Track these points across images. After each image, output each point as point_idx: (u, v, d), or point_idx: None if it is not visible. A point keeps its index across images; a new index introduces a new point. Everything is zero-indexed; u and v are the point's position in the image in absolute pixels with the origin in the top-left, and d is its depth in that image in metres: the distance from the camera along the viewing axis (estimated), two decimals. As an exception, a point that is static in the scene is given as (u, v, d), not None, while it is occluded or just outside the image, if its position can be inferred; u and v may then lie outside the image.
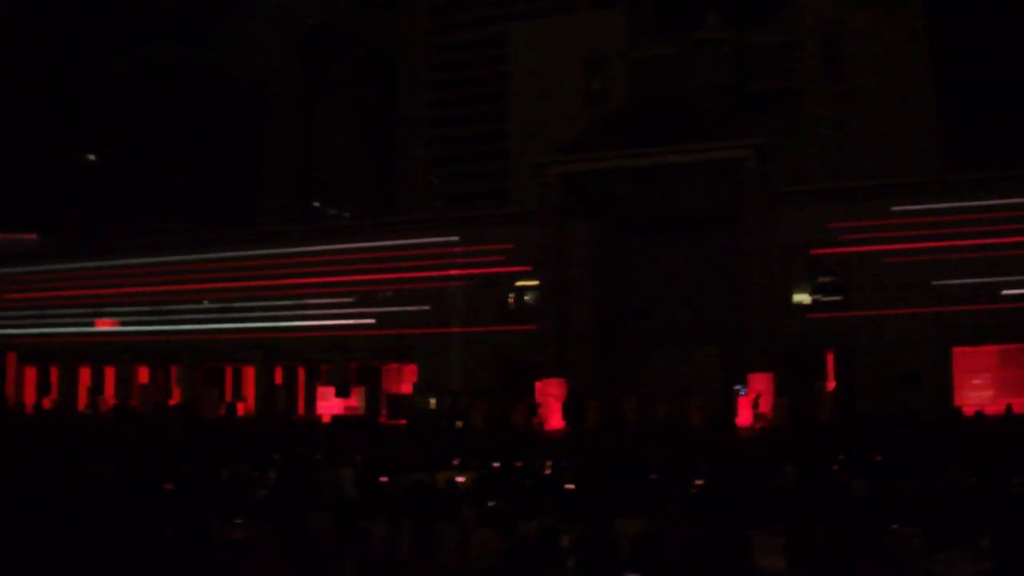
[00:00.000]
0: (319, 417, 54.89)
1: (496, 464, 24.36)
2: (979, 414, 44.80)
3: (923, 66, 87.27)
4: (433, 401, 53.86)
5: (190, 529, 14.73)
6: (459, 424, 48.40)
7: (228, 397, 62.87)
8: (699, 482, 20.58)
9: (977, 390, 49.75)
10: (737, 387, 46.63)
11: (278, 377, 63.44)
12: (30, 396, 68.66)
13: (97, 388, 66.84)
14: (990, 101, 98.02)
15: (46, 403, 66.34)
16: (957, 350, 49.87)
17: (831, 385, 50.08)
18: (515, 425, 45.97)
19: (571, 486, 19.69)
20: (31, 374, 70.70)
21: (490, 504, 17.00)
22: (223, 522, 15.57)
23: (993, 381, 50.25)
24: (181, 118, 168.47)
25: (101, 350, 66.52)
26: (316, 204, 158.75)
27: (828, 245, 51.37)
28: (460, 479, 21.19)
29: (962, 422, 42.44)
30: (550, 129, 78.26)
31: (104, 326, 66.39)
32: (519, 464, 24.49)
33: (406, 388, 59.47)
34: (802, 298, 52.11)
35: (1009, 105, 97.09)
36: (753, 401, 44.79)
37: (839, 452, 25.71)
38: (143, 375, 67.23)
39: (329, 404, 55.21)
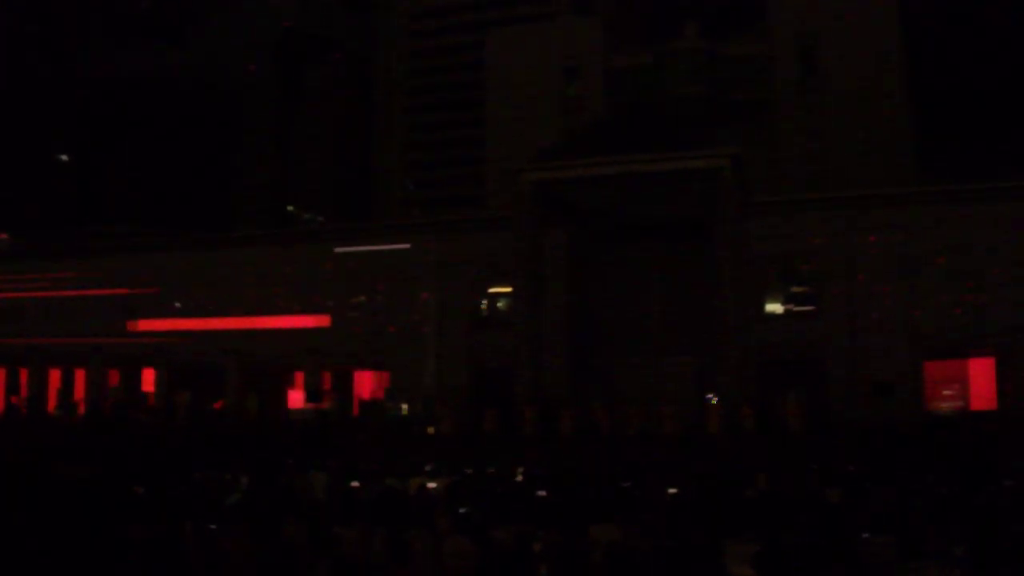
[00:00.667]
0: (290, 420, 54.68)
1: (468, 471, 24.34)
2: (948, 420, 45.19)
3: (897, 78, 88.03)
4: (405, 407, 53.82)
5: (162, 533, 14.62)
6: (431, 430, 48.28)
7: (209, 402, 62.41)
8: (672, 490, 20.61)
9: (948, 400, 50.09)
10: (709, 396, 46.69)
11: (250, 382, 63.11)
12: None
13: (67, 391, 66.28)
14: (964, 112, 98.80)
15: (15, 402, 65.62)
16: (928, 362, 50.22)
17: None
18: (486, 431, 45.77)
19: (544, 493, 19.68)
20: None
21: (462, 511, 16.97)
22: (195, 527, 15.48)
23: (963, 392, 50.60)
24: (156, 121, 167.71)
25: (73, 352, 66.03)
26: (290, 208, 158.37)
27: (801, 255, 51.65)
28: (432, 485, 21.17)
29: (934, 431, 42.62)
30: (526, 136, 78.41)
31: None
32: (491, 471, 24.48)
33: (379, 394, 59.30)
34: (775, 308, 52.29)
35: (982, 116, 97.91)
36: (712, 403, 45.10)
37: (812, 461, 25.79)
38: (113, 378, 66.81)
39: (300, 410, 55.11)
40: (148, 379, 66.05)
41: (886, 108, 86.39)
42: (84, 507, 16.78)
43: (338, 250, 60.44)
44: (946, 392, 50.32)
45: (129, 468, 24.31)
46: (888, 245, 50.71)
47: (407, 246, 58.99)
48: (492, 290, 56.17)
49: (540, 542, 13.94)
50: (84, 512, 16.03)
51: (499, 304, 55.77)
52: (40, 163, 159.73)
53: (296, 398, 57.16)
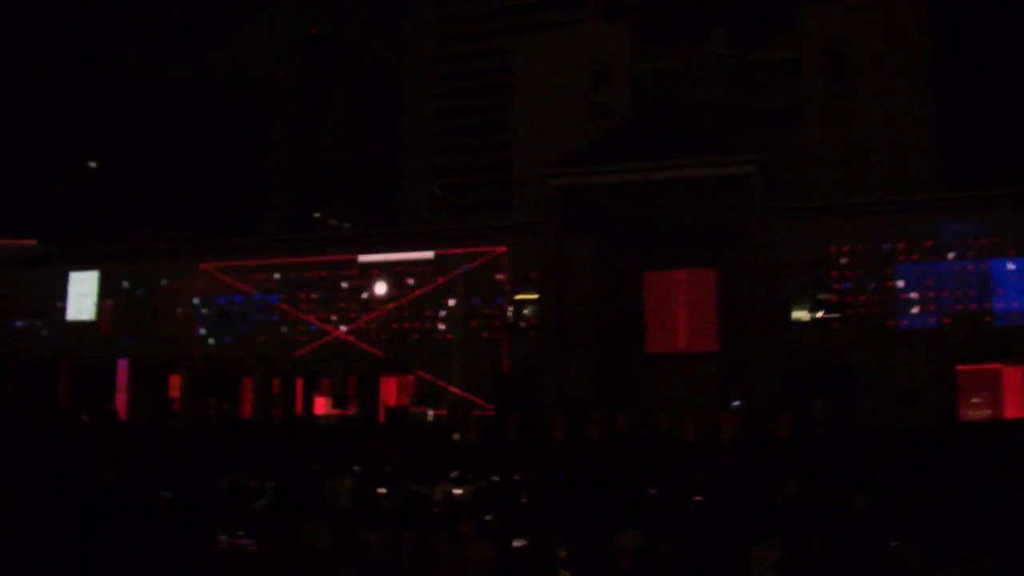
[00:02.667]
0: (316, 426, 54.85)
1: (495, 477, 24.34)
2: (976, 428, 44.89)
3: (926, 82, 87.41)
4: (431, 413, 53.84)
5: (191, 538, 14.71)
6: (456, 436, 48.24)
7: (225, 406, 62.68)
8: (697, 497, 20.56)
9: (977, 408, 49.75)
10: (735, 402, 46.53)
11: (276, 387, 63.36)
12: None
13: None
14: (993, 117, 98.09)
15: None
16: (959, 368, 49.87)
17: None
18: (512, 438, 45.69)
19: (569, 499, 19.67)
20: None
21: (487, 518, 16.98)
22: (223, 531, 15.56)
23: (993, 400, 50.25)
24: (183, 126, 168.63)
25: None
26: (317, 215, 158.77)
27: (829, 262, 51.45)
28: (458, 491, 21.19)
29: (961, 439, 42.33)
30: (553, 141, 78.18)
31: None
32: (517, 477, 24.47)
33: (404, 400, 59.42)
34: (802, 315, 52.05)
35: (1012, 122, 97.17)
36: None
37: (839, 468, 25.66)
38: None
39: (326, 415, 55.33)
40: (174, 385, 66.28)
41: (915, 113, 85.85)
42: (114, 512, 16.91)
43: (365, 257, 60.66)
44: (975, 400, 49.98)
45: (158, 473, 24.46)
46: (917, 251, 50.44)
47: (430, 254, 59.15)
48: (519, 296, 56.10)
49: (565, 548, 13.94)
50: (114, 517, 16.16)
51: (525, 311, 55.67)
52: (69, 170, 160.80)
53: (322, 404, 57.33)
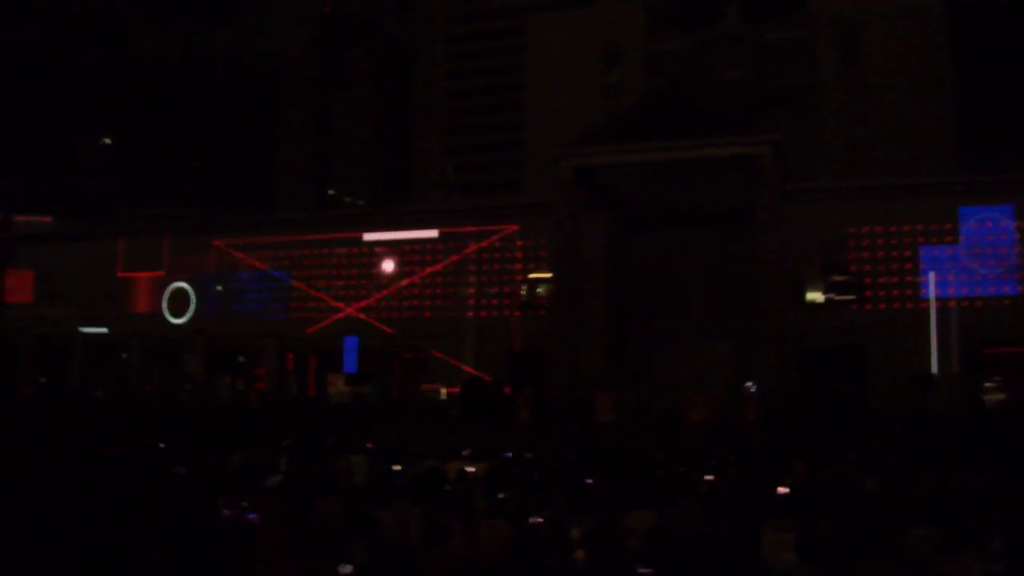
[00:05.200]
0: (328, 403, 55.07)
1: (508, 455, 24.40)
2: (989, 412, 44.76)
3: (941, 62, 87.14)
4: (444, 391, 54.01)
5: (201, 512, 14.78)
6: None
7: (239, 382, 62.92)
8: (709, 477, 20.58)
9: (993, 392, 49.49)
10: (748, 384, 46.48)
11: (290, 363, 63.61)
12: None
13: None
14: (1010, 98, 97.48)
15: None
16: (972, 351, 49.64)
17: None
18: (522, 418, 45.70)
19: (582, 478, 19.70)
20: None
21: (500, 496, 17.02)
22: (234, 506, 15.63)
23: (1011, 383, 49.95)
24: (197, 103, 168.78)
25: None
26: (331, 192, 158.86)
27: (843, 243, 51.26)
28: (471, 469, 21.23)
29: (976, 422, 42.23)
30: (566, 121, 78.14)
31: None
32: (529, 455, 24.52)
33: (418, 378, 59.54)
34: (815, 296, 51.90)
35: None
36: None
37: (850, 450, 25.64)
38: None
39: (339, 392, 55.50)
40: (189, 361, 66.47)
41: (930, 93, 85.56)
42: (126, 486, 16.97)
43: (371, 237, 60.62)
44: (988, 384, 49.76)
45: (169, 448, 24.57)
46: (932, 232, 50.22)
47: (439, 233, 59.14)
48: (531, 276, 56.09)
49: (578, 527, 13.97)
50: (123, 492, 16.21)
51: (538, 290, 55.67)
52: (82, 146, 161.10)
53: (335, 381, 57.47)
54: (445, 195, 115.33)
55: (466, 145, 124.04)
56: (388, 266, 59.37)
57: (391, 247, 59.94)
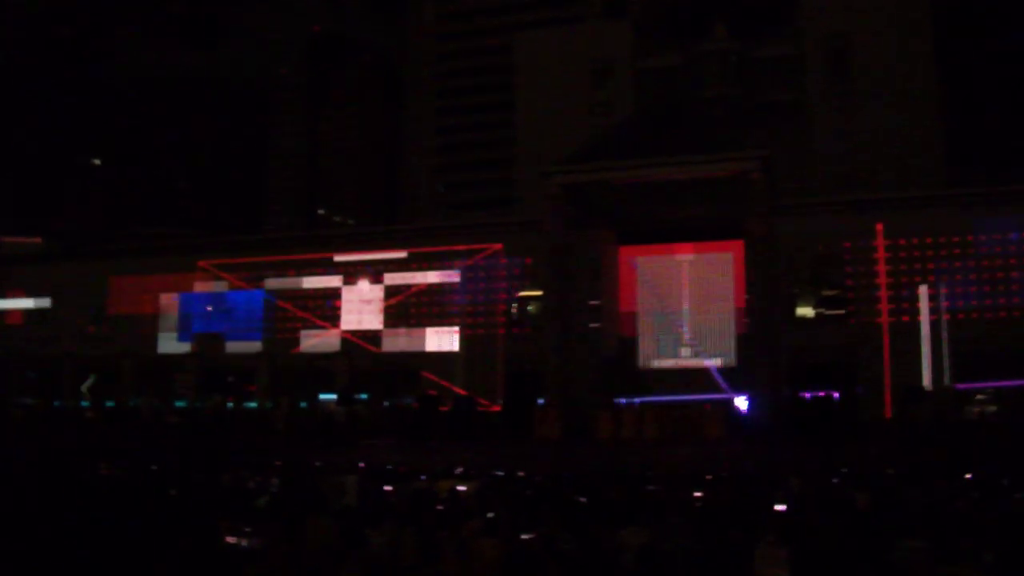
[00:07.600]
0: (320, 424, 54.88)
1: (499, 473, 24.35)
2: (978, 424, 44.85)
3: (929, 78, 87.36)
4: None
5: (197, 534, 14.73)
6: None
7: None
8: (699, 494, 20.55)
9: (981, 404, 49.56)
10: (739, 398, 46.56)
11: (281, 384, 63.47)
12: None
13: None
14: (996, 113, 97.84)
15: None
16: (961, 363, 49.70)
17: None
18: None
19: (573, 496, 19.66)
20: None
21: (491, 515, 16.97)
22: (226, 528, 15.57)
23: (997, 394, 50.00)
24: (187, 123, 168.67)
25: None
26: (320, 211, 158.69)
27: (833, 258, 51.35)
28: (462, 488, 21.18)
29: (964, 435, 42.27)
30: (556, 138, 78.14)
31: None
32: (521, 474, 24.47)
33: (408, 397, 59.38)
34: (805, 311, 52.01)
35: (1016, 118, 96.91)
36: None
37: (841, 465, 25.65)
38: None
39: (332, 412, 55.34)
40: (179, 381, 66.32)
41: (918, 108, 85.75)
42: (120, 506, 16.93)
43: (370, 255, 60.66)
44: (979, 396, 49.83)
45: (162, 469, 24.49)
46: (921, 247, 50.33)
47: (436, 248, 59.15)
48: (522, 293, 56.08)
49: (569, 544, 13.94)
50: (119, 511, 16.18)
51: (529, 308, 55.67)
52: (71, 167, 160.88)
53: (327, 401, 57.35)
54: (435, 213, 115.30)
55: (456, 163, 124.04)
56: (377, 285, 59.38)
57: (376, 266, 59.98)
